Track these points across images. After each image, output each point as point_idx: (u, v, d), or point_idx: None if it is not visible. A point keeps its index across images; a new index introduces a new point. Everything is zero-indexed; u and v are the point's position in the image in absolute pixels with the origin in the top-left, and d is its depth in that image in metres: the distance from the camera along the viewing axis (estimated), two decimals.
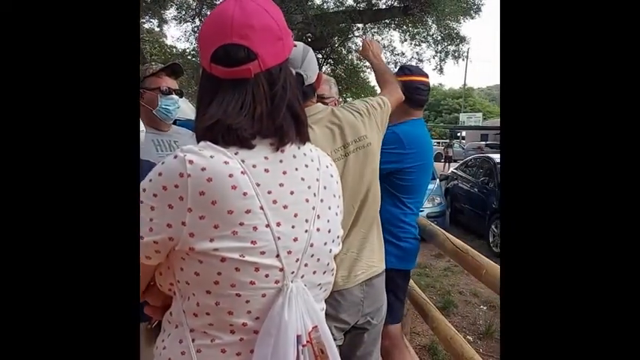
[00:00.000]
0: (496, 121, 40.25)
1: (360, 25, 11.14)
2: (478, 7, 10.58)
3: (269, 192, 0.85)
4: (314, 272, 0.94)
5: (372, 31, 11.67)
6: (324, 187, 0.96)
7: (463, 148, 28.00)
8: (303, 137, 0.94)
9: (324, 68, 11.71)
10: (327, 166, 0.99)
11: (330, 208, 0.96)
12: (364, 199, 1.56)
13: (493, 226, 6.66)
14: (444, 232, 2.13)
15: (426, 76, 2.10)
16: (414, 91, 2.04)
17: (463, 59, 13.23)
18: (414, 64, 10.16)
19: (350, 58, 12.47)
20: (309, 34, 10.00)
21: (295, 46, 1.47)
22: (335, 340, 1.62)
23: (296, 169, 0.91)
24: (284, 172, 0.89)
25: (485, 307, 4.44)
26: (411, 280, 2.41)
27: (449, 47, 11.28)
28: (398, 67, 2.30)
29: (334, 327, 1.54)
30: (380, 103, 1.63)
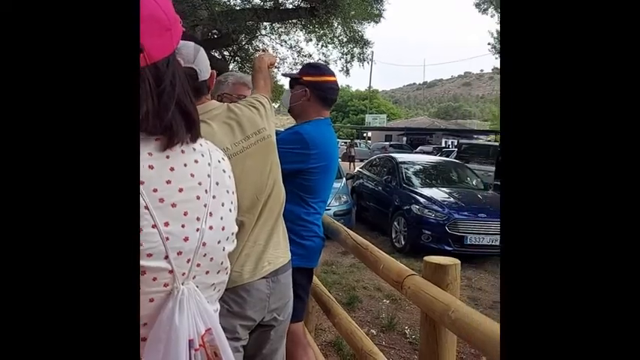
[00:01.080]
0: (399, 122, 42.12)
1: (268, 24, 11.11)
2: (380, 12, 10.99)
3: (154, 190, 0.80)
4: (207, 272, 0.91)
5: (280, 30, 11.69)
6: (217, 183, 0.92)
7: (369, 148, 28.97)
8: (194, 136, 0.90)
9: (230, 66, 11.52)
10: (218, 161, 0.95)
11: (223, 205, 0.93)
12: (270, 192, 1.58)
13: (395, 223, 6.95)
14: (345, 229, 2.17)
15: (335, 75, 2.14)
16: (328, 91, 2.05)
17: (368, 62, 13.66)
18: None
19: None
20: (215, 31, 9.78)
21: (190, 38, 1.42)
22: (240, 339, 1.60)
23: (185, 165, 0.86)
24: (171, 169, 0.84)
25: (387, 301, 4.62)
26: (316, 278, 2.43)
27: (354, 50, 11.59)
28: (306, 64, 2.31)
29: (240, 325, 1.51)
30: (268, 100, 1.69)
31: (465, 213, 6.43)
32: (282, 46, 12.09)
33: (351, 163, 21.67)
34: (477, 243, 6.27)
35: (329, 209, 6.67)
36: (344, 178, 7.90)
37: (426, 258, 1.47)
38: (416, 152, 20.08)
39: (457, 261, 1.41)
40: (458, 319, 1.12)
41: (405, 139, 32.94)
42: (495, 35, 21.23)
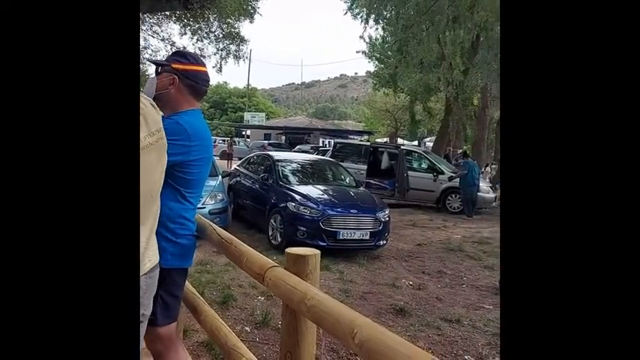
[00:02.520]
0: (278, 121, 42.42)
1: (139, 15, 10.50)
2: (254, 9, 10.99)
3: None
4: None
5: (151, 21, 11.13)
6: None
7: (248, 147, 28.80)
8: None
9: None
10: None
11: None
12: (159, 190, 1.63)
13: (272, 220, 6.99)
14: (211, 223, 2.13)
15: (206, 66, 2.10)
16: (202, 82, 2.01)
17: (244, 60, 13.55)
18: None
19: None
20: None
21: None
22: None
23: None
24: None
25: (262, 298, 4.63)
26: None
27: (230, 46, 11.45)
28: (175, 52, 2.22)
29: None
30: None
31: (338, 209, 6.68)
32: (153, 37, 11.53)
33: (229, 162, 21.38)
34: (349, 238, 6.55)
35: (204, 207, 6.51)
36: (220, 176, 7.76)
37: (288, 249, 1.49)
38: (294, 151, 20.41)
39: (317, 251, 1.46)
40: (313, 305, 1.16)
41: (284, 138, 33.31)
42: (367, 40, 22.30)
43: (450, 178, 12.04)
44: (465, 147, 21.19)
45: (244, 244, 1.83)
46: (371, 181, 12.49)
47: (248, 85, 49.42)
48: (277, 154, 9.07)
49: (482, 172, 17.56)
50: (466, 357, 3.77)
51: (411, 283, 5.68)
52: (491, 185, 13.65)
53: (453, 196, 12.04)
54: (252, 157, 9.82)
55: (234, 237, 1.91)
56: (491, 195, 12.62)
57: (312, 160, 9.34)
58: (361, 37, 19.85)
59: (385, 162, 13.62)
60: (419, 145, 26.43)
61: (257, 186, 8.11)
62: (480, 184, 11.98)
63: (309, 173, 8.30)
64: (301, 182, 7.65)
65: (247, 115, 40.46)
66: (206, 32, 11.35)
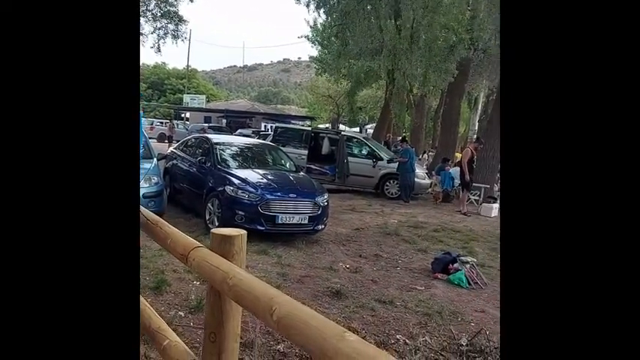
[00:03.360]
0: (219, 104, 41.55)
1: None
2: None
3: None
4: None
5: None
6: None
7: (187, 129, 28.03)
8: None
9: None
10: None
11: None
12: None
13: (209, 204, 6.87)
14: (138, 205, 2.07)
15: None
16: None
17: (184, 40, 13.14)
18: None
19: None
20: None
21: None
22: None
23: None
24: None
25: (197, 283, 4.56)
26: None
27: (168, 26, 11.05)
28: None
29: None
30: None
31: (278, 194, 6.66)
32: None
33: (170, 145, 20.75)
34: (287, 222, 6.55)
35: None
36: (155, 159, 7.52)
37: (213, 230, 1.47)
38: (235, 135, 20.09)
39: (243, 232, 1.44)
40: (235, 284, 1.15)
41: (224, 121, 32.68)
42: (311, 25, 22.18)
43: (389, 161, 12.32)
44: (404, 134, 21.69)
45: (170, 226, 1.79)
46: (312, 166, 12.54)
47: (188, 66, 47.95)
48: (216, 137, 8.89)
49: (420, 159, 18.10)
50: (397, 336, 3.89)
51: (347, 266, 5.78)
52: (427, 172, 14.09)
53: (391, 181, 12.33)
54: (190, 139, 9.58)
55: (160, 218, 1.86)
56: (427, 181, 13.03)
57: (252, 144, 9.23)
58: (306, 21, 19.74)
59: (326, 147, 13.70)
60: (360, 132, 26.80)
61: (194, 169, 7.92)
62: (417, 171, 12.34)
63: (249, 157, 8.20)
64: (240, 166, 7.56)
65: (187, 98, 39.31)
66: (143, 10, 10.88)
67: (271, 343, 3.49)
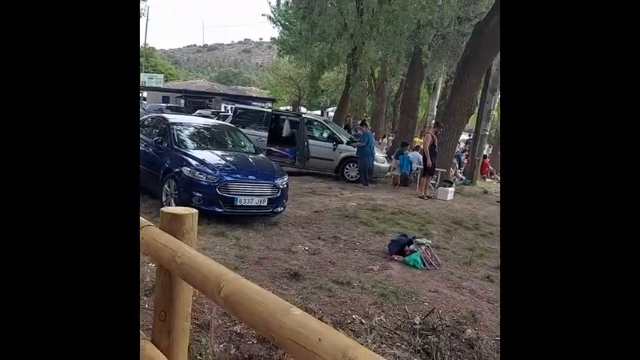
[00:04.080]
0: (177, 84, 40.58)
1: None
2: None
3: None
4: None
5: None
6: None
7: (144, 109, 27.25)
8: None
9: None
10: None
11: None
12: None
13: (166, 186, 6.74)
14: None
15: None
16: None
17: (141, 16, 12.66)
18: None
19: None
20: None
21: None
22: None
23: None
24: None
25: (153, 265, 4.48)
26: None
27: None
28: None
29: None
30: None
31: (236, 175, 6.59)
32: None
33: None
34: (246, 204, 6.51)
35: None
36: None
37: (163, 209, 1.44)
38: (194, 116, 19.70)
39: (194, 210, 1.42)
40: (183, 262, 1.14)
41: (183, 101, 31.98)
42: (274, 4, 21.86)
43: (349, 142, 12.39)
44: (364, 118, 21.83)
45: None
46: (272, 148, 12.46)
47: (145, 44, 46.49)
48: (172, 117, 8.68)
49: (380, 143, 18.30)
50: (354, 316, 3.96)
51: (306, 248, 5.81)
52: (386, 155, 14.26)
53: (351, 165, 12.42)
54: (147, 119, 9.31)
55: None
56: (386, 165, 13.20)
57: (210, 125, 9.07)
58: (268, 1, 19.40)
59: (286, 130, 13.63)
60: (322, 115, 26.77)
61: (150, 150, 7.71)
62: (376, 155, 12.47)
63: (207, 138, 8.06)
64: (198, 147, 7.42)
65: (144, 77, 38.15)
66: None
67: (228, 324, 3.49)
